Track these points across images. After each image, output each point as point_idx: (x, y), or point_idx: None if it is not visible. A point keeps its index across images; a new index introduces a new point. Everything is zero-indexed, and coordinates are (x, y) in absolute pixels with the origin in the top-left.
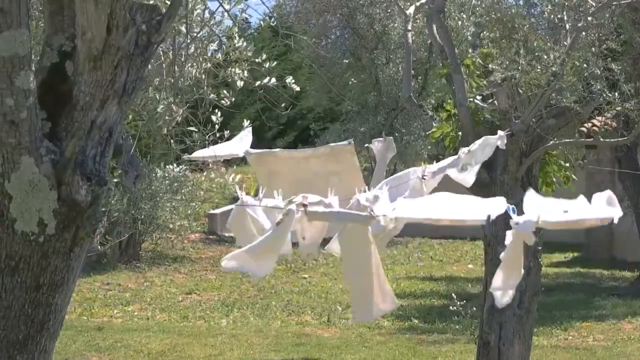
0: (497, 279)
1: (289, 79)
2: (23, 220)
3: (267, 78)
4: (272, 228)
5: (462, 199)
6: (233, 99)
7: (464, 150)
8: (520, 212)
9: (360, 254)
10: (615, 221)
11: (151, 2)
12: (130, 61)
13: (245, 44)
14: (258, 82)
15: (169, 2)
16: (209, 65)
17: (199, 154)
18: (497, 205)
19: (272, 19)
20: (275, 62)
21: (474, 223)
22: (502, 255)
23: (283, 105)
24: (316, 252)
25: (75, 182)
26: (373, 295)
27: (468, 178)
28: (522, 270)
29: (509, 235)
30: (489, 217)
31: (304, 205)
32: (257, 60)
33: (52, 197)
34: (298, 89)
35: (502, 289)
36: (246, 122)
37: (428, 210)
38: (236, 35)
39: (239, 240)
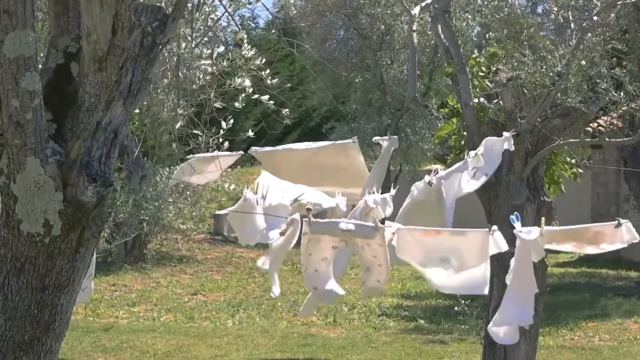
0: (501, 316)
1: (285, 110)
2: (29, 221)
3: (267, 96)
4: (275, 239)
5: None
6: (243, 105)
7: (470, 154)
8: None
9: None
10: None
11: (156, 4)
12: (135, 62)
13: (252, 52)
14: (256, 96)
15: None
16: (214, 69)
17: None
18: (498, 241)
19: (275, 28)
20: (282, 63)
21: (475, 237)
22: (508, 278)
23: (285, 115)
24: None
25: (81, 183)
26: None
27: (475, 185)
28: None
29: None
30: (490, 227)
31: (308, 210)
32: (262, 74)
33: (57, 198)
34: (288, 122)
35: (505, 324)
36: (250, 133)
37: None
38: (245, 41)
39: (240, 237)
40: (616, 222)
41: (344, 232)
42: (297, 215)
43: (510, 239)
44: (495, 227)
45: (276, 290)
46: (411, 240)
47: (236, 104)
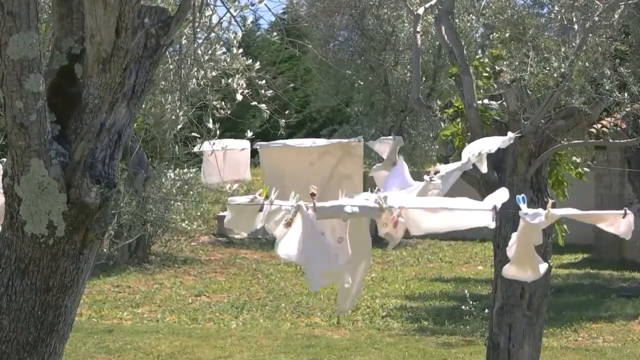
0: (509, 269)
1: (282, 122)
2: (33, 222)
3: (263, 105)
4: (282, 230)
5: (466, 200)
6: (229, 110)
7: (472, 152)
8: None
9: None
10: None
11: (160, 5)
12: (139, 63)
13: (250, 60)
14: (254, 103)
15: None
16: (214, 73)
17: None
18: (501, 195)
19: (278, 29)
20: (285, 65)
21: (478, 221)
22: (509, 249)
23: (285, 119)
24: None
25: (85, 185)
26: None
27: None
28: (540, 269)
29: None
30: (494, 207)
31: (312, 195)
32: (260, 75)
33: (61, 200)
34: (282, 132)
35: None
36: (249, 133)
37: (434, 202)
38: (235, 46)
39: (234, 225)
40: (622, 211)
41: (350, 214)
42: (301, 202)
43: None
44: (496, 204)
45: (315, 284)
46: (416, 216)
47: (238, 96)
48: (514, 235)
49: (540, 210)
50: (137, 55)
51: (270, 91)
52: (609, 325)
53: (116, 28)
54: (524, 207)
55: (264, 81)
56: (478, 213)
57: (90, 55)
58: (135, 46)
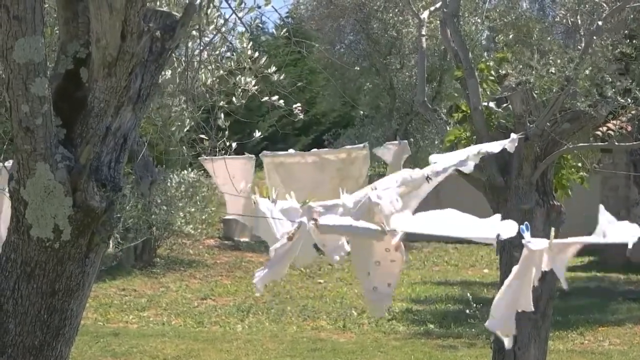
0: (498, 308)
1: (297, 105)
2: (38, 226)
3: (276, 97)
4: (284, 243)
5: (473, 218)
6: (243, 103)
7: (472, 151)
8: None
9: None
10: (630, 246)
11: (165, 9)
12: (144, 67)
13: (257, 54)
14: (265, 98)
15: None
16: (221, 72)
17: (209, 165)
18: (508, 227)
19: (285, 29)
20: (290, 67)
21: (483, 241)
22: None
23: (298, 111)
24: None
25: (90, 188)
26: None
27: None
28: (530, 301)
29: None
30: (498, 235)
31: (314, 220)
32: (267, 71)
33: (67, 203)
34: (302, 116)
35: (501, 321)
36: (257, 133)
37: (437, 227)
38: (245, 41)
39: (271, 243)
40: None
41: (351, 233)
42: (304, 218)
43: (518, 246)
44: (501, 233)
45: (260, 288)
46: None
47: (234, 99)
48: (515, 269)
49: (543, 239)
50: (142, 59)
51: (282, 77)
52: (615, 328)
53: (122, 32)
54: (527, 236)
55: (273, 68)
56: (483, 233)
57: (95, 59)
58: (140, 50)
